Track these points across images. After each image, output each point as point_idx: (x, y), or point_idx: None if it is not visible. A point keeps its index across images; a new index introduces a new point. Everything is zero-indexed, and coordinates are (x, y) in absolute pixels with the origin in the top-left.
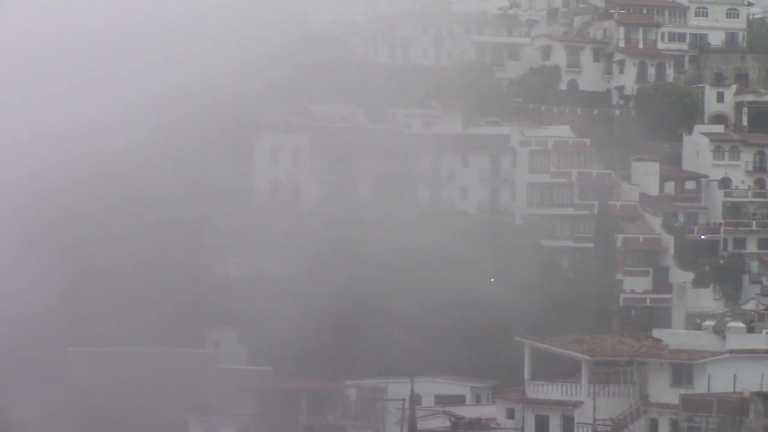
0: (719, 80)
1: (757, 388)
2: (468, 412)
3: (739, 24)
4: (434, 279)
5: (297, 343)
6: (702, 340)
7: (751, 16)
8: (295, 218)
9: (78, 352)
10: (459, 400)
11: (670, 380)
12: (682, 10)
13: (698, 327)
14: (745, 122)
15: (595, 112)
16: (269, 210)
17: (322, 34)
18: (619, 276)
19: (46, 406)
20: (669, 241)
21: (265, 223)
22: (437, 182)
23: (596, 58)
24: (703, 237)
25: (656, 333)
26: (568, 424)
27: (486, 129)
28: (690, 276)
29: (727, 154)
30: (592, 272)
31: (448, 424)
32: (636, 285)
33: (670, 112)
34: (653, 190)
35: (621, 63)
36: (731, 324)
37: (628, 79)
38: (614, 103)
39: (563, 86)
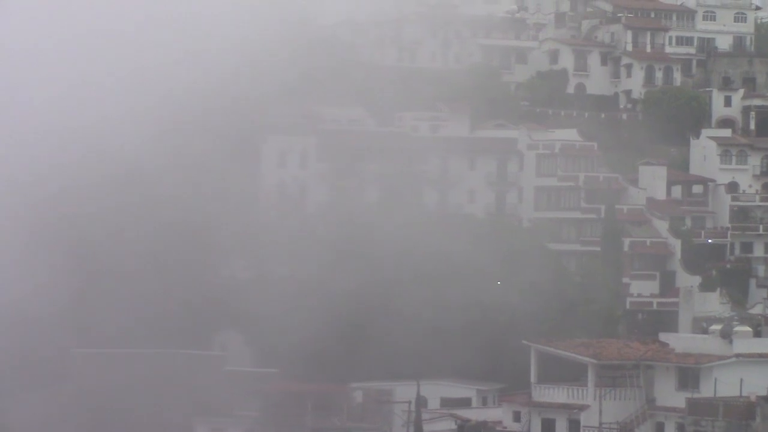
0: (727, 84)
1: (763, 392)
2: (474, 415)
3: (747, 28)
4: (441, 282)
5: (303, 346)
6: (709, 344)
7: (758, 20)
8: (302, 221)
9: (84, 353)
10: (465, 402)
11: (677, 384)
12: (690, 14)
13: (705, 331)
14: (752, 126)
15: (603, 115)
16: (276, 212)
17: (329, 37)
18: (625, 280)
19: (52, 407)
20: (676, 245)
21: (271, 225)
22: (444, 185)
23: (604, 62)
24: (710, 241)
25: (663, 337)
26: (574, 427)
27: (493, 132)
28: (697, 280)
29: (734, 158)
30: (598, 276)
31: (454, 426)
32: (643, 289)
33: (678, 116)
34: (660, 194)
35: (628, 67)
36: (738, 328)
37: (635, 82)
38: (622, 106)
39: (571, 90)
